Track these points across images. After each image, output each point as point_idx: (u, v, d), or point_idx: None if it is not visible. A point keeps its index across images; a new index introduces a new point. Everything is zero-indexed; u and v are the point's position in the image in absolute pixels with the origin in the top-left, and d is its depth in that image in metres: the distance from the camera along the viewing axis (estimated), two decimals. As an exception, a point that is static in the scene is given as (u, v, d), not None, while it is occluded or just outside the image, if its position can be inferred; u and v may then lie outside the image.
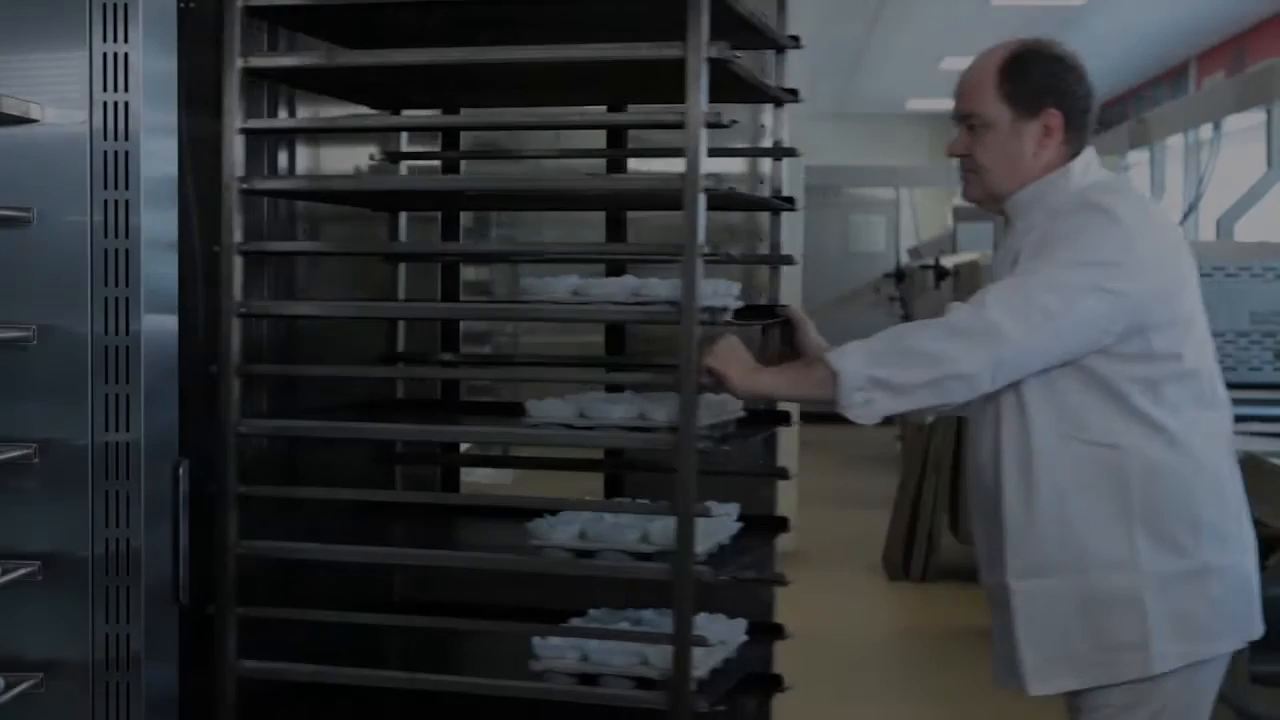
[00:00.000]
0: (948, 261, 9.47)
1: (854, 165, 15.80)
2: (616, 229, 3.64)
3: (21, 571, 2.32)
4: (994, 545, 2.86)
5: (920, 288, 10.31)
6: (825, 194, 14.07)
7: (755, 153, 3.64)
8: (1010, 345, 2.65)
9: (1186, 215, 9.05)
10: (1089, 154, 2.87)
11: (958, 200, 14.75)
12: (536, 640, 2.89)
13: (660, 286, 2.86)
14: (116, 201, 2.34)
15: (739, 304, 3.09)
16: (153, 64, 2.37)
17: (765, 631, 3.31)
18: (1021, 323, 2.64)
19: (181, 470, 2.46)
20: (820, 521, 9.18)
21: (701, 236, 2.72)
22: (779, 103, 3.42)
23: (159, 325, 2.42)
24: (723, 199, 3.14)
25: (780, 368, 2.90)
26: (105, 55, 2.33)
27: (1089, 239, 2.70)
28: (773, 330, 3.29)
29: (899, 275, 12.18)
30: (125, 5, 2.32)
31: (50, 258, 2.34)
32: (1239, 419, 6.37)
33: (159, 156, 2.40)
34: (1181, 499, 2.75)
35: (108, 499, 2.36)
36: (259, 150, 3.55)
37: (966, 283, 8.06)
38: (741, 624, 3.12)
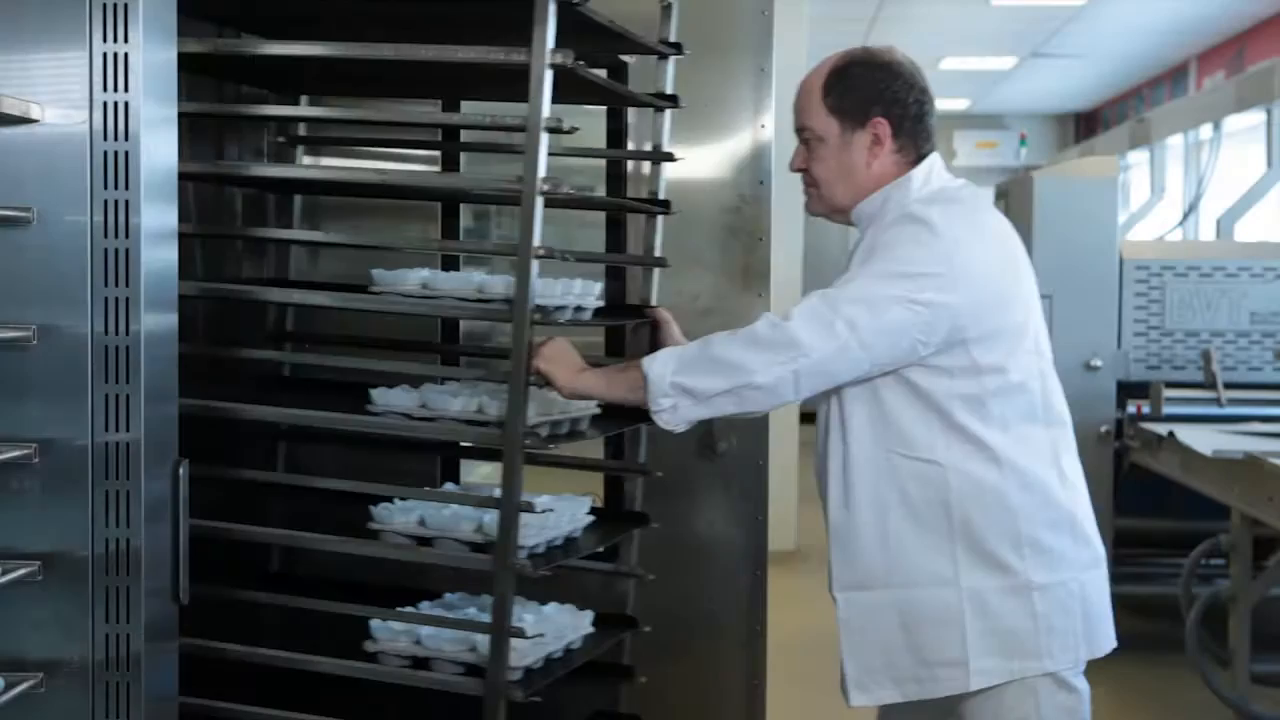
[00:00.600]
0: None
1: (854, 165, 15.78)
2: (616, 230, 3.65)
3: (21, 571, 2.32)
4: (828, 554, 2.88)
5: (920, 288, 10.32)
6: (825, 194, 14.05)
7: (629, 155, 3.66)
8: (809, 358, 2.67)
9: (1186, 215, 9.06)
10: (931, 161, 2.87)
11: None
12: (374, 623, 2.97)
13: (498, 284, 2.92)
14: (116, 201, 2.34)
15: (599, 303, 3.17)
16: (153, 64, 2.37)
17: (617, 623, 3.36)
18: (823, 335, 2.67)
19: (181, 470, 2.46)
20: (820, 522, 9.16)
21: (538, 238, 2.77)
22: (658, 108, 3.45)
23: (159, 325, 2.41)
24: (583, 201, 3.20)
25: (603, 370, 2.92)
26: (105, 55, 2.33)
27: (904, 250, 2.71)
28: (641, 330, 3.35)
29: (899, 275, 12.16)
30: (125, 5, 2.32)
31: (50, 258, 2.33)
32: (1239, 419, 6.42)
33: (159, 156, 2.40)
34: (1003, 516, 2.74)
35: (108, 499, 2.35)
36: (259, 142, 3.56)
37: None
38: (588, 615, 3.17)
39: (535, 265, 2.77)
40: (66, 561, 2.35)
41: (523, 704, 2.82)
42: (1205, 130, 9.13)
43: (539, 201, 2.76)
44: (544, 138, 2.75)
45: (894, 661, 2.79)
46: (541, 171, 2.76)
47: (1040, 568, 2.76)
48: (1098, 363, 6.40)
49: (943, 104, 16.24)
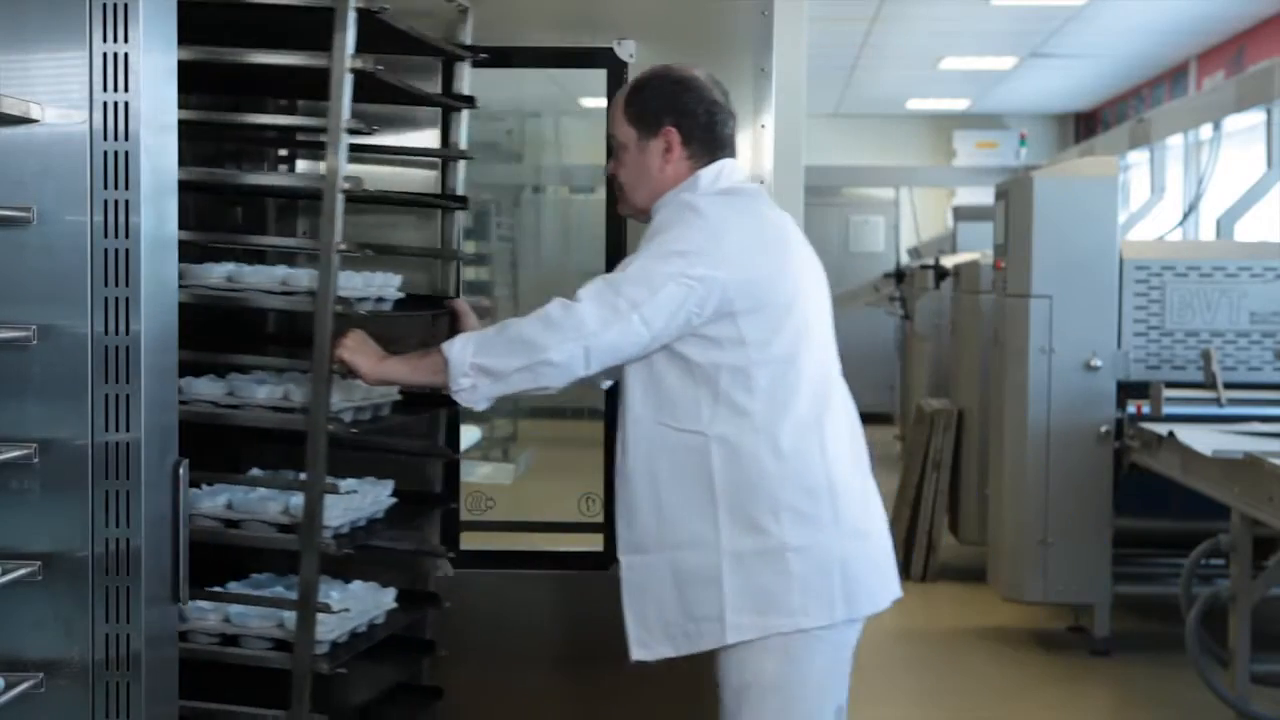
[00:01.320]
0: (948, 261, 9.47)
1: (854, 165, 15.79)
2: (616, 228, 3.65)
3: (21, 571, 2.32)
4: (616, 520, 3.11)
5: (920, 288, 10.31)
6: (825, 194, 14.06)
7: (425, 153, 3.78)
8: (596, 336, 2.93)
9: (1186, 215, 9.05)
10: (721, 165, 3.12)
11: (958, 200, 14.77)
12: None
13: (303, 277, 3.11)
14: (116, 201, 2.34)
15: (399, 295, 3.38)
16: (153, 64, 2.37)
17: (419, 600, 3.57)
18: (608, 314, 2.93)
19: (181, 470, 2.47)
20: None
21: (338, 233, 2.97)
22: (454, 109, 3.63)
23: (159, 325, 2.42)
24: (384, 198, 3.48)
25: (404, 356, 3.14)
26: (105, 55, 2.33)
27: (675, 232, 2.99)
28: (441, 320, 3.52)
29: (899, 275, 12.19)
30: (125, 5, 2.32)
31: (50, 258, 2.34)
32: (1239, 419, 6.41)
33: (159, 156, 2.40)
34: (760, 483, 2.97)
35: (108, 499, 2.36)
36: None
37: (967, 282, 8.07)
38: (390, 593, 3.38)
39: (336, 259, 2.97)
40: (66, 561, 2.35)
41: (328, 676, 3.00)
42: (1205, 130, 9.12)
43: (340, 199, 2.97)
44: (345, 138, 2.95)
45: (667, 619, 3.03)
46: (343, 170, 2.96)
47: (796, 531, 2.97)
48: (1098, 363, 6.40)
49: (942, 104, 16.23)
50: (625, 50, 3.67)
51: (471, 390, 2.97)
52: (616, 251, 3.67)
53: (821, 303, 3.14)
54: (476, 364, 2.96)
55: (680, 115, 3.08)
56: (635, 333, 2.94)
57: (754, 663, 2.99)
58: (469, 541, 3.87)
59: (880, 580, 3.11)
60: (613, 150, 3.15)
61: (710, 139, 3.10)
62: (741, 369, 2.97)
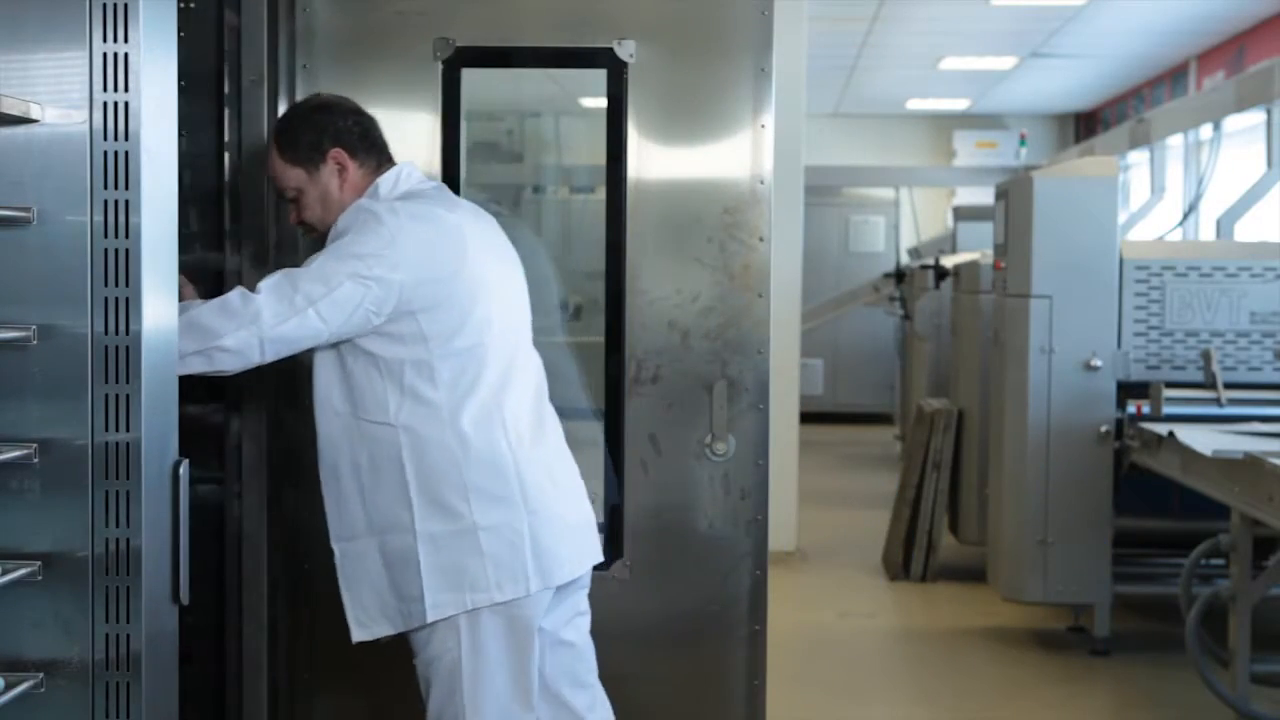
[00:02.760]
0: (948, 261, 9.47)
1: (854, 165, 15.80)
2: (616, 228, 3.64)
3: (21, 571, 2.32)
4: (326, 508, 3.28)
5: (920, 288, 10.31)
6: (825, 194, 14.06)
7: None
8: (271, 328, 3.08)
9: (1186, 215, 9.06)
10: (399, 170, 3.33)
11: (958, 200, 14.76)
12: None
13: None
14: (116, 201, 2.34)
15: None
16: (153, 64, 2.37)
17: None
18: (285, 307, 3.08)
19: (181, 470, 2.47)
20: (820, 521, 9.17)
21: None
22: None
23: (159, 325, 2.42)
24: None
25: None
26: (105, 55, 2.33)
27: (354, 235, 3.16)
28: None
29: (899, 275, 12.18)
30: (125, 5, 2.32)
31: (50, 258, 2.34)
32: (1239, 419, 6.41)
33: (159, 156, 2.40)
34: (449, 469, 3.15)
35: (108, 499, 2.36)
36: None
37: (967, 282, 8.07)
38: None
39: None
40: (66, 561, 2.35)
41: None
42: (1205, 130, 9.13)
43: None
44: None
45: (383, 600, 3.20)
46: None
47: (485, 512, 3.15)
48: (1098, 363, 6.40)
49: (942, 104, 16.23)
50: (625, 50, 3.67)
51: None
52: (617, 251, 3.67)
53: (511, 288, 3.32)
54: None
55: (336, 135, 3.26)
56: (312, 327, 3.09)
57: (450, 635, 3.15)
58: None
59: (573, 548, 3.27)
60: (289, 200, 3.29)
61: (370, 143, 3.30)
62: (425, 362, 3.14)
